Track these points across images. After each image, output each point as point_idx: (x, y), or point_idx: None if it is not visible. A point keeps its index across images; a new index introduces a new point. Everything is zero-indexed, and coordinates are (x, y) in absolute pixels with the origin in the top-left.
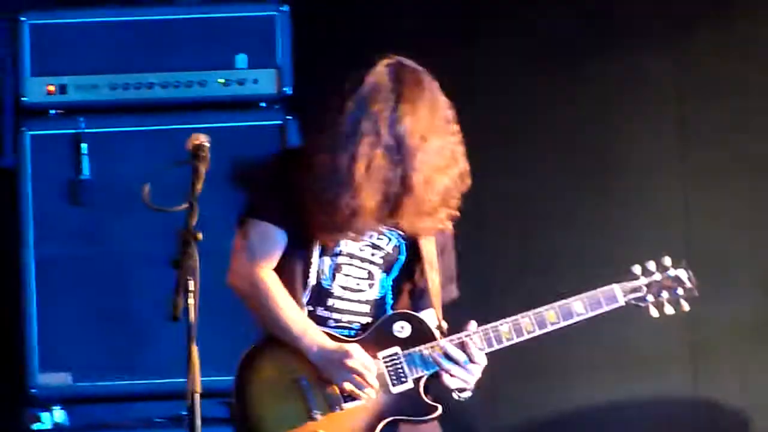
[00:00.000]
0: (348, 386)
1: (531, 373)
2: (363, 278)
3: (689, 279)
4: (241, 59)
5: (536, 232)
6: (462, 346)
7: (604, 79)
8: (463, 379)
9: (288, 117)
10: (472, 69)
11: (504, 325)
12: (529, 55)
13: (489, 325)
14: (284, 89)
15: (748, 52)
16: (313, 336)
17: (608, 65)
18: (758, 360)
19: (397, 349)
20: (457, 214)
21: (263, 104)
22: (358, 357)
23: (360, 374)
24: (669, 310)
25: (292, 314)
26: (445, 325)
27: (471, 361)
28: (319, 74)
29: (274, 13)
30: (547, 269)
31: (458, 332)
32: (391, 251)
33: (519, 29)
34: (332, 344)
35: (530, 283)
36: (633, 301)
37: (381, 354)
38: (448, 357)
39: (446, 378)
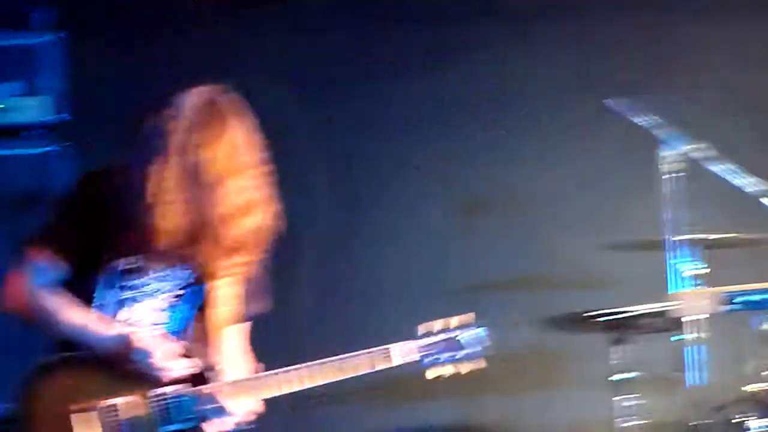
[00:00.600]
0: (141, 371)
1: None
2: (156, 310)
3: (475, 341)
4: (12, 87)
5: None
6: (222, 396)
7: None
8: (220, 427)
9: (60, 144)
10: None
11: (282, 375)
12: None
13: (267, 373)
14: (60, 116)
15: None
16: (94, 329)
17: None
18: (524, 387)
19: (167, 389)
20: (264, 259)
21: (34, 132)
22: (138, 344)
23: (144, 362)
24: (448, 371)
25: (73, 318)
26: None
27: (230, 413)
28: (97, 101)
29: (47, 39)
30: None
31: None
32: (188, 283)
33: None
34: (113, 333)
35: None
36: (410, 361)
37: (151, 393)
38: (211, 405)
39: (206, 425)
